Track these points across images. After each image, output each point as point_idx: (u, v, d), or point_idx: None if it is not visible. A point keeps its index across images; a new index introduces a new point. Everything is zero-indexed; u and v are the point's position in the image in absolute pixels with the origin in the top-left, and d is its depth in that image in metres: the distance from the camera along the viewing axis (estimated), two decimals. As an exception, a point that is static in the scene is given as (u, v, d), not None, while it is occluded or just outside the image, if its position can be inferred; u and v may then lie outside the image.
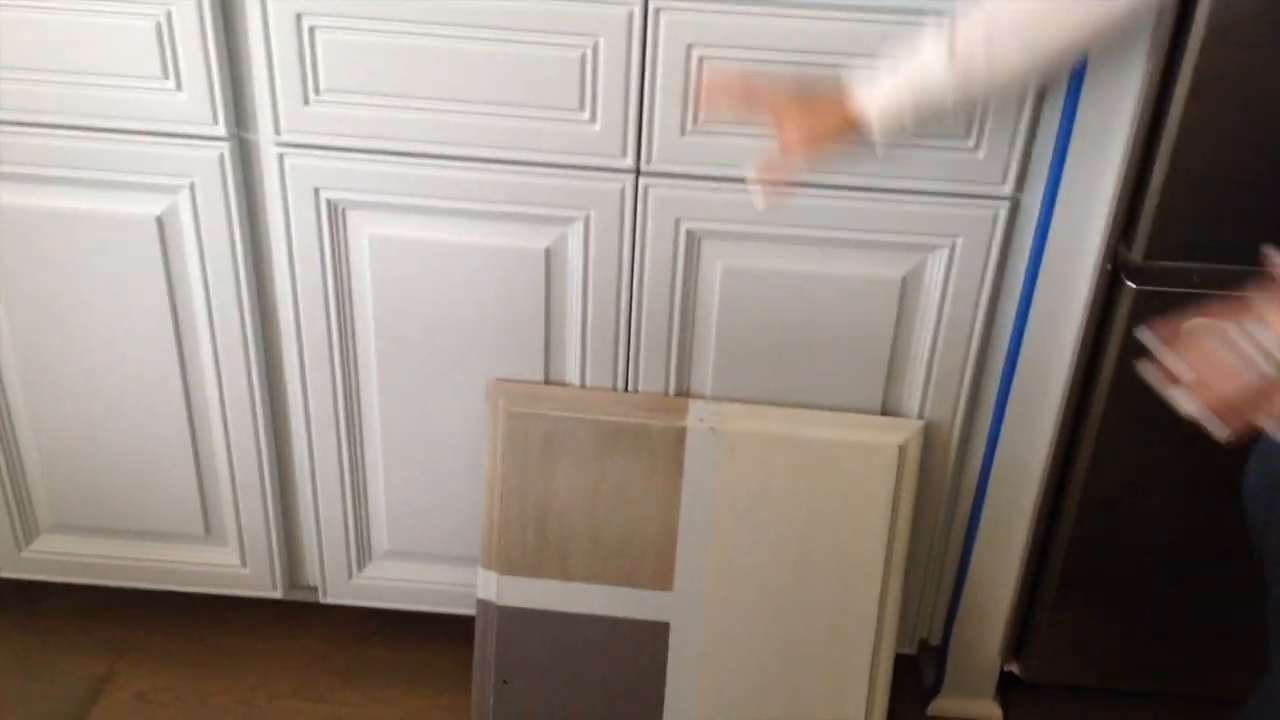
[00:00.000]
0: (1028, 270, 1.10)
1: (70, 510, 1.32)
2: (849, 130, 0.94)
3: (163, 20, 1.03)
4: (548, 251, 1.13)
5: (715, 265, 1.13)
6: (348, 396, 1.22)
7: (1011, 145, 1.04)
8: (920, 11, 0.98)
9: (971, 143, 1.04)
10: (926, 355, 1.16)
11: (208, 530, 1.32)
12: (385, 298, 1.16)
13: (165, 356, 1.20)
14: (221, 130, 1.08)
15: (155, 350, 1.20)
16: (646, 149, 1.07)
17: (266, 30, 1.03)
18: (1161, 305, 1.06)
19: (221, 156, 1.09)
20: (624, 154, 1.07)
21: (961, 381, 1.16)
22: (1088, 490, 1.18)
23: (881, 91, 0.92)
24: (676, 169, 1.08)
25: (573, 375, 1.19)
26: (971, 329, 1.14)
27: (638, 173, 1.08)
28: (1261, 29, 0.94)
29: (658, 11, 1.00)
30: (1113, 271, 1.08)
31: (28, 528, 1.33)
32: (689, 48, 1.01)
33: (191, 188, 1.11)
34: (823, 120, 0.95)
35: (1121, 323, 1.08)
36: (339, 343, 1.19)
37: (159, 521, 1.32)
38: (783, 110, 0.96)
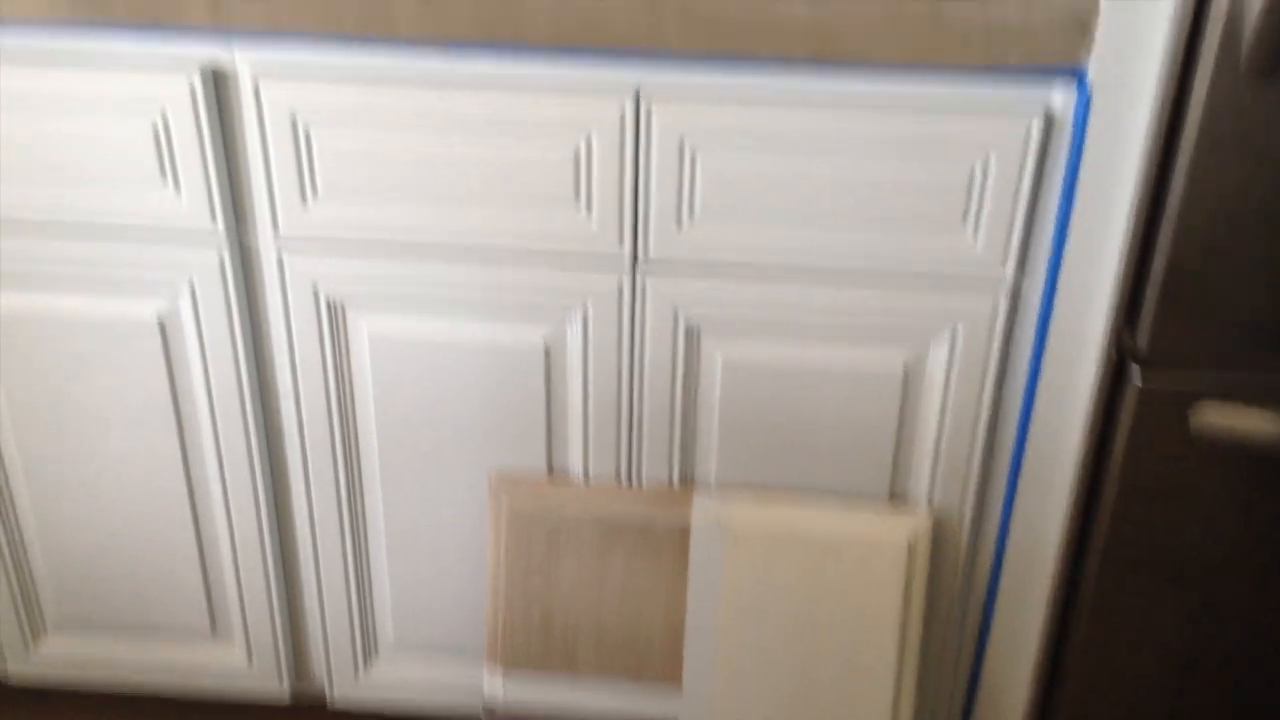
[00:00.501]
0: (1032, 357, 1.09)
1: (77, 608, 1.31)
2: None
3: (159, 122, 1.04)
4: (547, 344, 1.12)
5: (715, 356, 1.11)
6: (350, 491, 1.21)
7: (1009, 232, 1.02)
8: (915, 101, 0.98)
9: (969, 229, 1.03)
10: (932, 442, 1.13)
11: (214, 627, 1.31)
12: (386, 392, 1.16)
13: (168, 455, 1.20)
14: (220, 231, 1.09)
15: (158, 449, 1.20)
16: (643, 241, 1.06)
17: (263, 131, 1.04)
18: (1168, 392, 1.04)
19: (221, 257, 1.10)
20: (620, 246, 1.07)
21: (969, 468, 1.14)
22: (1103, 580, 1.14)
23: None
24: (673, 260, 1.07)
25: (575, 466, 1.18)
26: (977, 416, 1.11)
27: (635, 265, 1.08)
28: (1258, 120, 0.93)
29: (649, 108, 1.00)
30: (1118, 359, 1.06)
31: (35, 627, 1.33)
32: (681, 141, 1.01)
33: (192, 288, 1.11)
34: None
35: (1129, 410, 1.06)
36: (341, 438, 1.18)
37: (165, 618, 1.31)
38: None
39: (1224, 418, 1.04)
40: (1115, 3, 0.92)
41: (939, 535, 1.17)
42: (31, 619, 1.32)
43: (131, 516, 1.25)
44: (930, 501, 1.16)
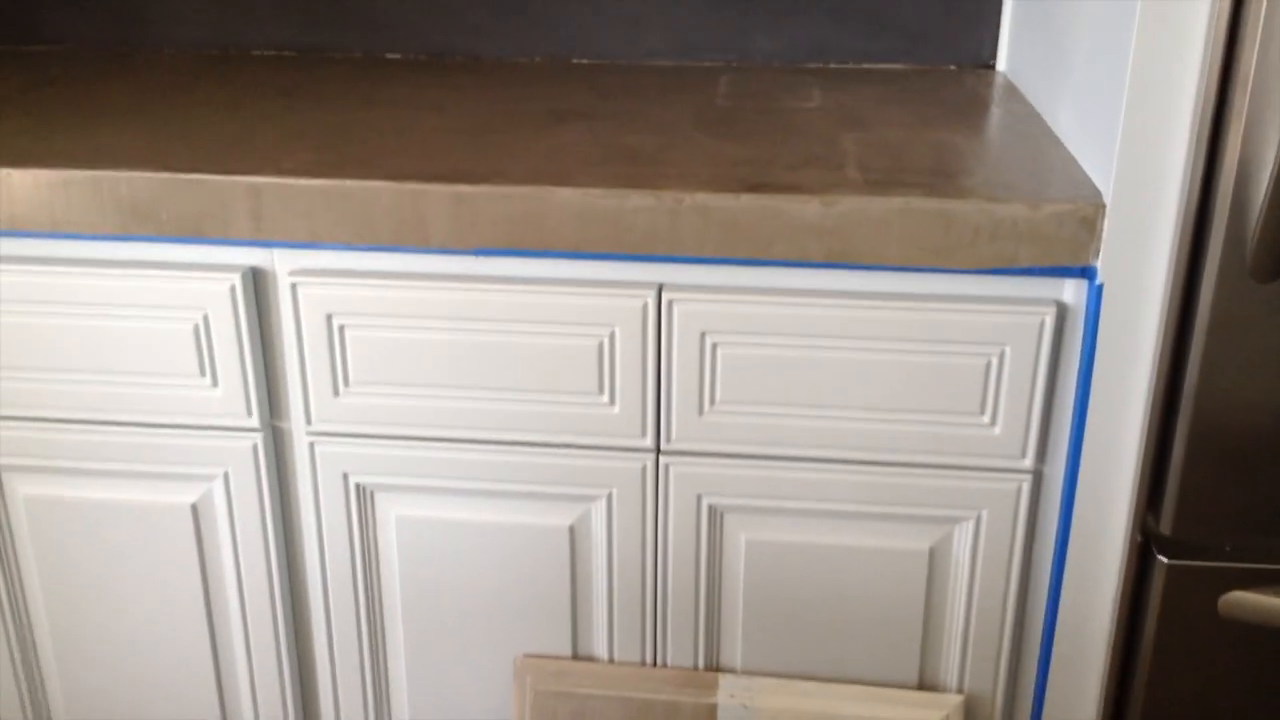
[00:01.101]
0: (1057, 541, 1.09)
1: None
2: None
3: (200, 323, 1.08)
4: (572, 529, 1.13)
5: (739, 539, 1.12)
6: (375, 673, 1.22)
7: (1028, 419, 1.04)
8: (928, 297, 1.01)
9: (987, 418, 1.04)
10: (961, 627, 1.13)
11: (238, 807, 1.30)
12: (412, 576, 1.17)
13: (197, 636, 1.22)
14: (255, 422, 1.12)
15: (187, 629, 1.21)
16: (665, 429, 1.08)
17: (299, 329, 1.08)
18: (1195, 576, 1.04)
19: (255, 446, 1.13)
20: (644, 435, 1.09)
21: (999, 653, 1.13)
22: (1141, 765, 1.13)
23: None
24: (696, 447, 1.09)
25: (600, 649, 1.18)
26: (1005, 600, 1.11)
27: (658, 451, 1.10)
28: (1266, 316, 0.95)
29: (670, 303, 1.03)
30: (1143, 543, 1.06)
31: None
32: (702, 335, 1.04)
33: (226, 476, 1.14)
34: None
35: (1156, 594, 1.05)
36: (367, 620, 1.19)
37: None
38: None
39: (1251, 599, 1.04)
40: (1120, 203, 0.95)
41: (971, 718, 1.15)
42: (58, 798, 1.32)
43: (159, 697, 1.25)
44: (961, 686, 1.15)
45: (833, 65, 1.49)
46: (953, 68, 1.48)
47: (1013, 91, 1.36)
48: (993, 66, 1.47)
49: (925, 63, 1.48)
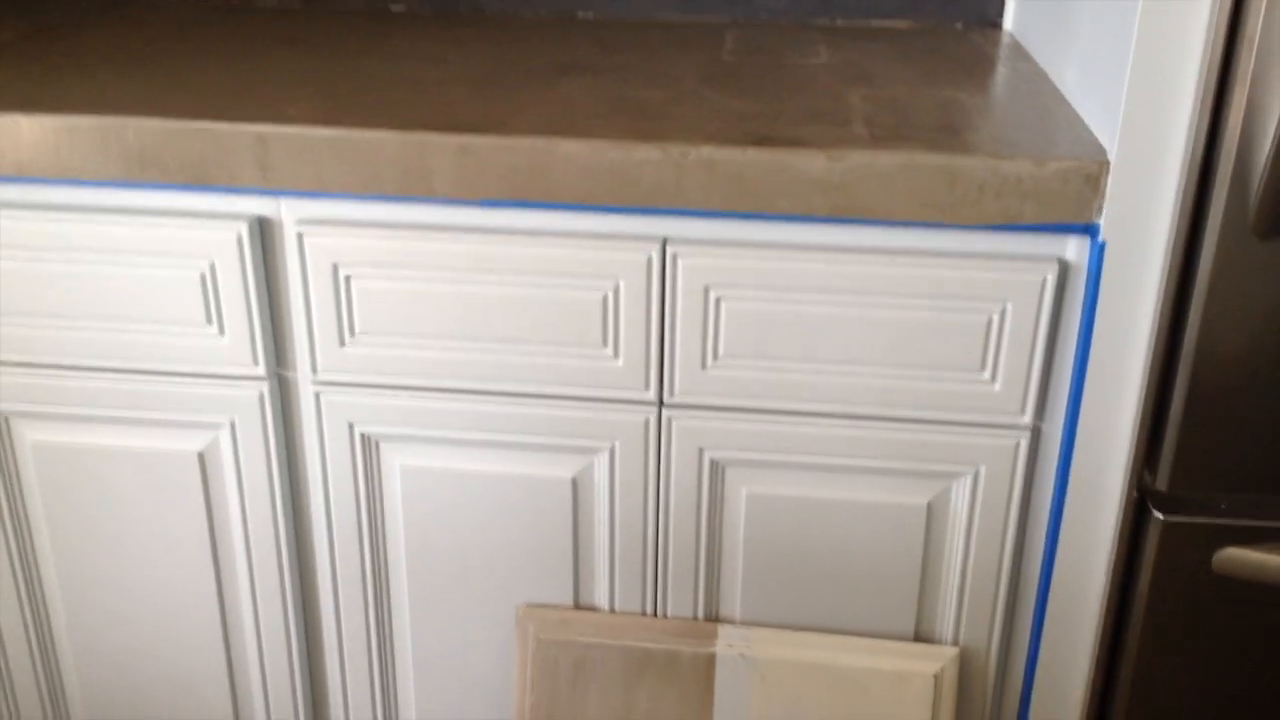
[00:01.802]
0: (1054, 497, 1.10)
1: (109, 730, 1.33)
2: None
3: (207, 271, 1.09)
4: (575, 480, 1.15)
5: (740, 492, 1.14)
6: (380, 620, 1.23)
7: (1028, 376, 1.05)
8: (932, 253, 1.02)
9: (987, 374, 1.05)
10: (958, 581, 1.14)
11: (243, 751, 1.33)
12: (416, 526, 1.18)
13: (203, 583, 1.23)
14: (261, 371, 1.13)
15: (193, 577, 1.23)
16: (669, 382, 1.09)
17: (305, 279, 1.08)
18: (1190, 532, 1.06)
19: (261, 395, 1.14)
20: (647, 388, 1.10)
21: (995, 607, 1.15)
22: (1132, 716, 1.14)
23: None
24: (698, 401, 1.10)
25: (602, 600, 1.20)
26: (1001, 554, 1.13)
27: (661, 405, 1.10)
28: (1266, 274, 0.95)
29: (675, 256, 1.04)
30: (1139, 499, 1.07)
31: (67, 748, 1.35)
32: (706, 289, 1.05)
33: (232, 425, 1.15)
34: None
35: (1151, 550, 1.07)
36: (371, 569, 1.21)
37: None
38: None
39: (1245, 555, 1.05)
40: (1124, 160, 0.95)
41: (966, 669, 1.17)
42: (66, 741, 1.34)
43: (165, 641, 1.27)
44: (957, 639, 1.17)
45: (839, 22, 1.48)
46: (959, 26, 1.47)
47: (1019, 50, 1.36)
48: (999, 25, 1.47)
49: (932, 20, 1.48)
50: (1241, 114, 0.91)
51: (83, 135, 1.05)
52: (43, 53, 1.27)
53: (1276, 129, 0.90)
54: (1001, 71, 1.26)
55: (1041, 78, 1.23)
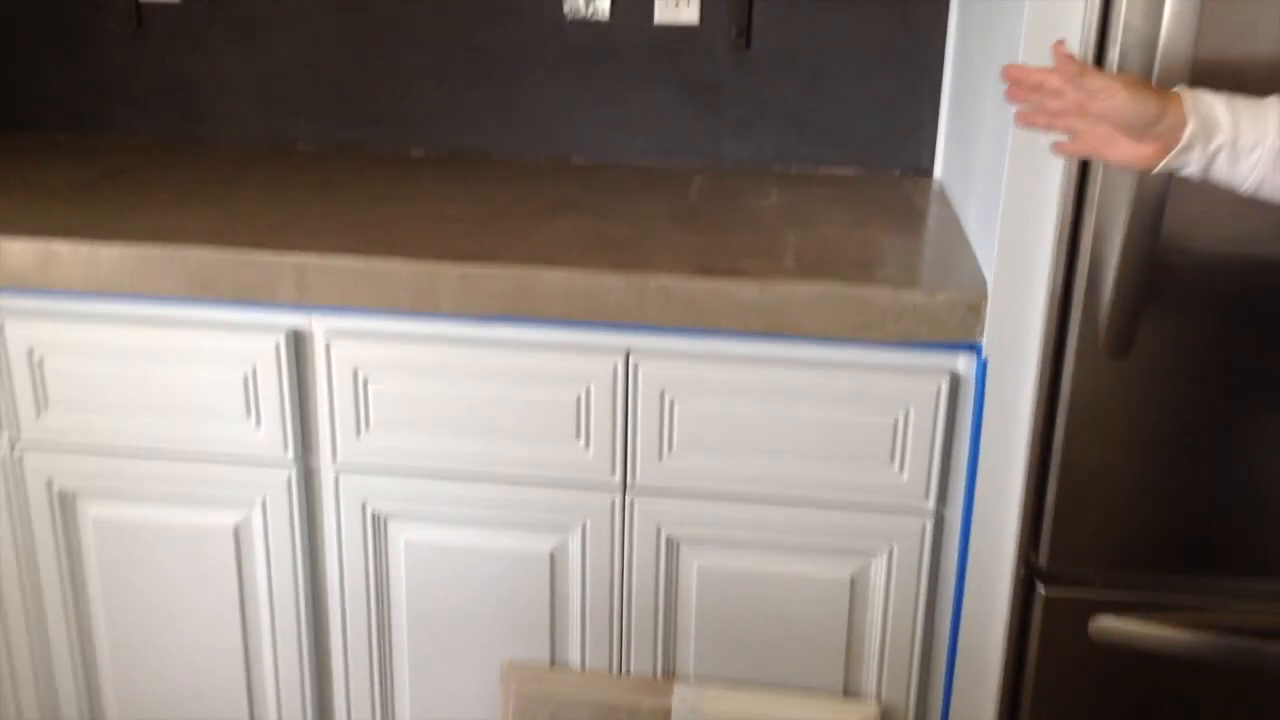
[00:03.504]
0: (957, 571, 1.30)
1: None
2: (1167, 109, 0.91)
3: (249, 373, 1.31)
4: (552, 554, 1.34)
5: (692, 565, 1.33)
6: (383, 676, 1.42)
7: (929, 468, 1.25)
8: (847, 364, 1.23)
9: (896, 467, 1.26)
10: (879, 644, 1.33)
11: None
12: (417, 591, 1.38)
13: (231, 640, 1.42)
14: (290, 458, 1.34)
15: (224, 636, 1.42)
16: (631, 470, 1.30)
17: (330, 381, 1.31)
18: (1069, 604, 1.25)
19: (289, 478, 1.35)
20: (613, 473, 1.30)
21: (911, 667, 1.33)
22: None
23: (1211, 96, 0.92)
24: (657, 486, 1.30)
25: (575, 657, 1.39)
26: (914, 621, 1.32)
27: (625, 489, 1.31)
28: (1118, 385, 1.17)
29: (636, 365, 1.26)
30: (1027, 575, 1.27)
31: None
32: (662, 392, 1.26)
33: (263, 503, 1.36)
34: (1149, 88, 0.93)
35: (1038, 618, 1.26)
36: (377, 628, 1.40)
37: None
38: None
39: (1116, 624, 1.24)
40: (999, 292, 1.18)
41: (887, 724, 1.35)
42: (102, 786, 1.52)
43: (196, 694, 1.46)
44: (880, 695, 1.35)
45: (794, 169, 1.73)
46: (896, 173, 1.71)
47: (942, 196, 1.59)
48: (930, 174, 1.71)
49: (873, 168, 1.72)
50: (1088, 260, 1.14)
51: (151, 262, 1.29)
52: (114, 192, 1.52)
53: (1115, 273, 1.12)
54: (922, 215, 1.50)
55: (954, 221, 1.46)
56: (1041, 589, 1.25)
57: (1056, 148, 1.01)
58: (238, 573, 1.39)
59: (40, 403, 1.35)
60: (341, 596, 1.40)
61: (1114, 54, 1.07)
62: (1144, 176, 1.07)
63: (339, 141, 1.79)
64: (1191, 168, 0.93)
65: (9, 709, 1.50)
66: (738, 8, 1.65)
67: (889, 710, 1.35)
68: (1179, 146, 0.91)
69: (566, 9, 1.68)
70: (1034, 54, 1.08)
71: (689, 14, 1.66)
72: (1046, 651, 1.27)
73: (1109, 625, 1.24)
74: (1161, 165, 0.93)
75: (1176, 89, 0.93)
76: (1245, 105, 0.92)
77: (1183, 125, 0.91)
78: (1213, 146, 0.91)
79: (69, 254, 1.29)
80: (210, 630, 1.42)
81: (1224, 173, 0.92)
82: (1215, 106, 0.91)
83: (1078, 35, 1.08)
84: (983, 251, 1.26)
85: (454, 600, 1.38)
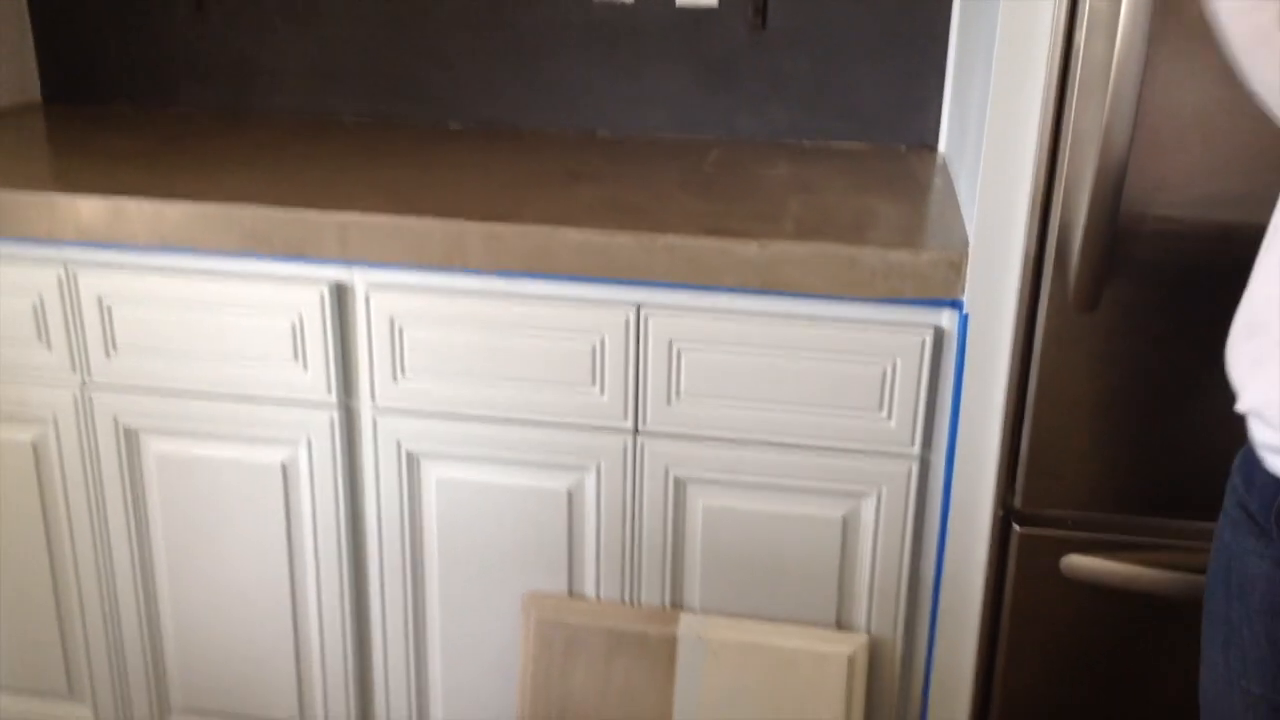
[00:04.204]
0: (941, 512, 1.40)
1: (197, 696, 1.65)
2: None
3: (296, 322, 1.44)
4: (569, 492, 1.47)
5: (698, 504, 1.45)
6: (416, 605, 1.55)
7: (915, 415, 1.36)
8: (839, 319, 1.34)
9: (884, 414, 1.37)
10: (868, 580, 1.45)
11: (302, 714, 1.64)
12: (446, 526, 1.51)
13: (278, 568, 1.56)
14: (333, 399, 1.47)
15: (271, 563, 1.56)
16: (642, 414, 1.42)
17: (369, 329, 1.44)
18: (1042, 542, 1.35)
19: (332, 419, 1.48)
20: (625, 418, 1.42)
21: (898, 601, 1.45)
22: (1011, 694, 1.43)
23: None
24: (665, 429, 1.42)
25: (590, 589, 1.51)
26: (901, 559, 1.43)
27: (636, 432, 1.43)
28: (1087, 336, 1.27)
29: (646, 317, 1.38)
30: (1004, 516, 1.37)
31: (163, 709, 1.67)
32: (670, 342, 1.38)
33: (308, 441, 1.49)
34: None
35: (1014, 557, 1.36)
36: (411, 561, 1.53)
37: (262, 707, 1.64)
38: None
39: (1086, 562, 1.34)
40: (978, 252, 1.28)
41: (876, 653, 1.46)
42: (161, 702, 1.66)
43: (245, 618, 1.60)
44: (869, 626, 1.46)
45: (805, 143, 1.84)
46: (903, 148, 1.82)
47: (944, 169, 1.70)
48: (934, 148, 1.81)
49: (880, 143, 1.82)
50: (1058, 219, 1.24)
51: (210, 219, 1.42)
52: (176, 157, 1.66)
53: (1083, 234, 1.22)
54: (920, 185, 1.60)
55: (949, 189, 1.57)
56: (1017, 529, 1.36)
57: None
58: (285, 505, 1.53)
59: (109, 348, 1.49)
60: (379, 529, 1.53)
61: (1080, 36, 1.17)
62: (1106, 146, 1.17)
63: (381, 115, 1.92)
64: None
65: (77, 629, 1.65)
66: (753, -10, 1.76)
67: (878, 641, 1.46)
68: None
69: (593, -9, 1.79)
70: (1009, 36, 1.19)
71: (707, -4, 1.77)
72: (1022, 587, 1.37)
73: (1079, 563, 1.35)
74: None
75: None
76: None
77: None
78: None
79: (136, 211, 1.43)
80: (259, 558, 1.56)
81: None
82: None
83: (1048, 21, 1.18)
84: (968, 216, 1.36)
85: (480, 534, 1.51)
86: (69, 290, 1.48)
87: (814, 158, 1.75)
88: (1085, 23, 1.17)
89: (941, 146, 1.80)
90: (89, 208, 1.44)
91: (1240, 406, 0.96)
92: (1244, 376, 0.95)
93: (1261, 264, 0.95)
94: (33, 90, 1.99)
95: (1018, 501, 1.35)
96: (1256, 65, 0.94)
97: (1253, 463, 0.96)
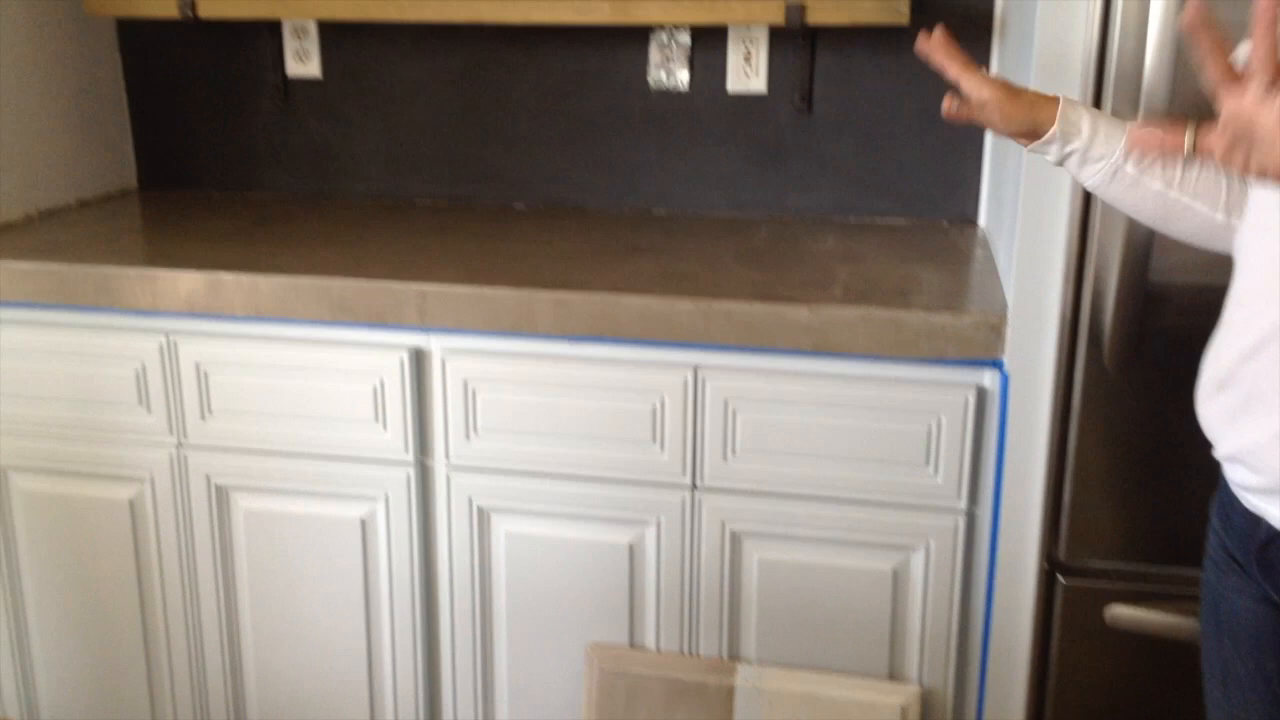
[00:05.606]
0: (988, 565, 1.46)
1: (272, 745, 1.74)
2: (1041, 108, 1.09)
3: (378, 385, 1.55)
4: (631, 546, 1.55)
5: (753, 558, 1.52)
6: (485, 653, 1.63)
7: (960, 471, 1.43)
8: (886, 379, 1.42)
9: (931, 469, 1.44)
10: (918, 631, 1.50)
11: (372, 764, 1.71)
12: (515, 578, 1.59)
13: (355, 618, 1.65)
14: (410, 458, 1.57)
15: (349, 614, 1.65)
16: (700, 471, 1.50)
17: (445, 392, 1.54)
18: (1086, 593, 1.41)
19: (409, 476, 1.58)
20: (684, 474, 1.51)
21: (948, 651, 1.50)
22: (1059, 747, 1.47)
23: (1078, 105, 1.11)
24: (722, 485, 1.50)
25: (650, 640, 1.58)
26: (950, 611, 1.48)
27: (694, 488, 1.51)
28: (1123, 393, 1.34)
29: (704, 379, 1.47)
30: (1049, 568, 1.43)
31: (240, 757, 1.75)
32: (726, 402, 1.47)
33: (386, 497, 1.59)
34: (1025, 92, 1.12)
35: (1059, 608, 1.42)
36: (481, 612, 1.61)
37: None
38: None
39: (1129, 612, 1.39)
40: (1017, 314, 1.36)
41: (929, 703, 1.51)
42: (240, 750, 1.75)
43: (323, 666, 1.68)
44: (920, 677, 1.52)
45: (851, 219, 1.93)
46: (944, 223, 1.91)
47: (984, 241, 1.78)
48: (975, 222, 1.90)
49: (923, 218, 1.92)
50: (1091, 289, 1.32)
51: (300, 290, 1.54)
52: (266, 235, 1.79)
53: (1115, 299, 1.30)
54: (962, 255, 1.69)
55: (989, 259, 1.65)
56: (1062, 580, 1.41)
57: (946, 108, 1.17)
58: (363, 558, 1.62)
59: (204, 410, 1.61)
60: (450, 580, 1.61)
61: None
62: (1134, 222, 1.25)
63: (452, 197, 2.05)
64: (1050, 157, 1.12)
65: (165, 680, 1.74)
66: (801, 77, 1.87)
67: (930, 692, 1.52)
68: (1041, 140, 1.10)
69: (651, 80, 1.92)
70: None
71: (758, 83, 1.89)
72: (1068, 638, 1.43)
73: (1122, 613, 1.40)
74: (1029, 149, 1.13)
75: (1060, 96, 1.10)
76: (1107, 124, 1.09)
77: (1050, 124, 1.09)
78: (1068, 149, 1.10)
79: (233, 284, 1.55)
80: (337, 608, 1.65)
81: (1074, 170, 1.12)
82: (1082, 119, 1.09)
83: (1076, 86, 1.28)
84: (1007, 283, 1.45)
85: (546, 586, 1.59)
86: (169, 357, 1.60)
87: (860, 232, 1.85)
88: (1109, 105, 1.26)
89: (982, 221, 1.89)
90: (188, 281, 1.56)
91: (1219, 454, 1.02)
92: (1220, 427, 1.01)
93: (1225, 323, 1.02)
94: (130, 178, 2.15)
95: (1061, 554, 1.41)
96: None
97: (1228, 505, 1.02)
